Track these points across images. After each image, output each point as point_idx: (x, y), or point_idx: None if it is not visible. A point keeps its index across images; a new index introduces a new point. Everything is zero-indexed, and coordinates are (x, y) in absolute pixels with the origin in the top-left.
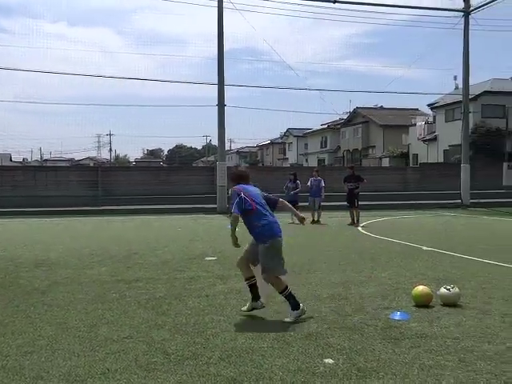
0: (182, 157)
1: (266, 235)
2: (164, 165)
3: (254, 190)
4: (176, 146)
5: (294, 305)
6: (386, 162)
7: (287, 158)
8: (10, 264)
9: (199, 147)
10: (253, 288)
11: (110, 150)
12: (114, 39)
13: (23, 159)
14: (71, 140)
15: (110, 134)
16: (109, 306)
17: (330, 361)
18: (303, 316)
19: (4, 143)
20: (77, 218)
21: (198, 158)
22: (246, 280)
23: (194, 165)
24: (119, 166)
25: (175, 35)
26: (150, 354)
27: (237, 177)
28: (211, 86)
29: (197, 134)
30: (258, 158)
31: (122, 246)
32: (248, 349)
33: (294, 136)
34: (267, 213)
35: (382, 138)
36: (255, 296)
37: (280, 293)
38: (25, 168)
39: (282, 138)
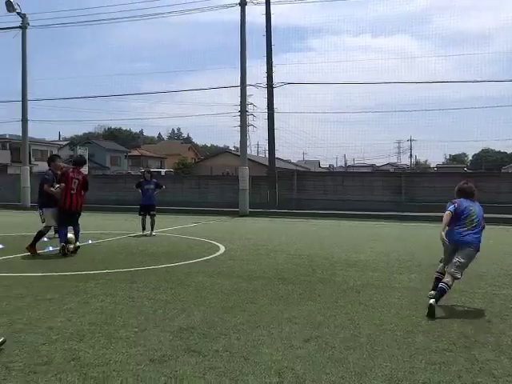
0: (488, 162)
1: (452, 238)
2: (468, 171)
3: (468, 206)
4: (482, 150)
5: (437, 298)
6: None
7: None
8: (325, 262)
9: (509, 151)
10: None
11: (411, 155)
12: (412, 44)
13: (329, 165)
14: (372, 147)
15: (410, 140)
16: (422, 314)
17: None
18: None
19: (314, 151)
20: (381, 222)
21: (508, 162)
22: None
23: (503, 170)
24: (421, 171)
25: (476, 32)
26: (473, 372)
27: (460, 191)
28: None
29: (506, 136)
30: None
31: (429, 253)
32: None
33: None
34: (467, 225)
35: None
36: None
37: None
38: (333, 174)
39: None
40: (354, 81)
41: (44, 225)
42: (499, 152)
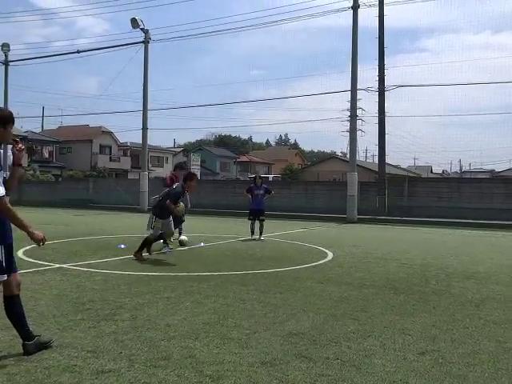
0: None
1: None
2: None
3: None
4: None
5: None
6: None
7: None
8: (440, 272)
9: None
10: None
11: None
12: None
13: (443, 171)
14: (491, 151)
15: None
16: None
17: None
18: None
19: (426, 156)
20: (501, 232)
21: None
22: None
23: None
24: None
25: None
26: None
27: None
28: None
29: None
30: None
31: None
32: None
33: None
34: None
35: None
36: None
37: None
38: (448, 179)
39: None
40: (471, 81)
41: (151, 232)
42: None
